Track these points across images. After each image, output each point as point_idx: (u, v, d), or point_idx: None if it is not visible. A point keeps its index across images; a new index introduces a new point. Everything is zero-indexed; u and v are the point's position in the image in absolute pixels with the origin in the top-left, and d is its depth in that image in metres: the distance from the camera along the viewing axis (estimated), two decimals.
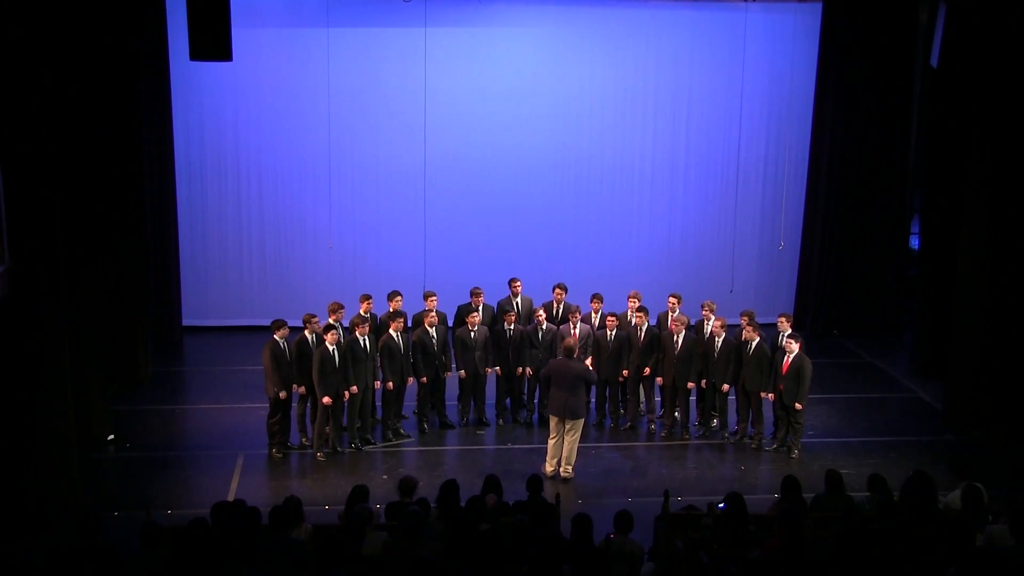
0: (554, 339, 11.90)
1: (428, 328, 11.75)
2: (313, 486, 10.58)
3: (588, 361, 11.56)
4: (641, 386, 12.15)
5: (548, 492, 8.45)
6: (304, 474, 11.01)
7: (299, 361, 11.22)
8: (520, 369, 12.14)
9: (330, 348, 10.98)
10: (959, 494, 8.00)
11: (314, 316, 11.43)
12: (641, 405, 12.26)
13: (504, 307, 12.48)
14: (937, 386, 13.29)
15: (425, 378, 11.80)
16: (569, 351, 10.73)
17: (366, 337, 11.30)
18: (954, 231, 12.72)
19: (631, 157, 16.37)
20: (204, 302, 16.11)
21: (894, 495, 8.44)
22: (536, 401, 12.35)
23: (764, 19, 16.01)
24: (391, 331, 11.51)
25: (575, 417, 10.66)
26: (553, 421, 10.80)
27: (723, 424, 12.10)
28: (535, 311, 12.23)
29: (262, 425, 11.50)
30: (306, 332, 11.33)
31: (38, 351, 9.57)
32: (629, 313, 12.14)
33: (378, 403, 11.87)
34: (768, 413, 11.74)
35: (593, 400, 12.54)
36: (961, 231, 12.37)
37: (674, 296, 12.24)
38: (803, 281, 16.66)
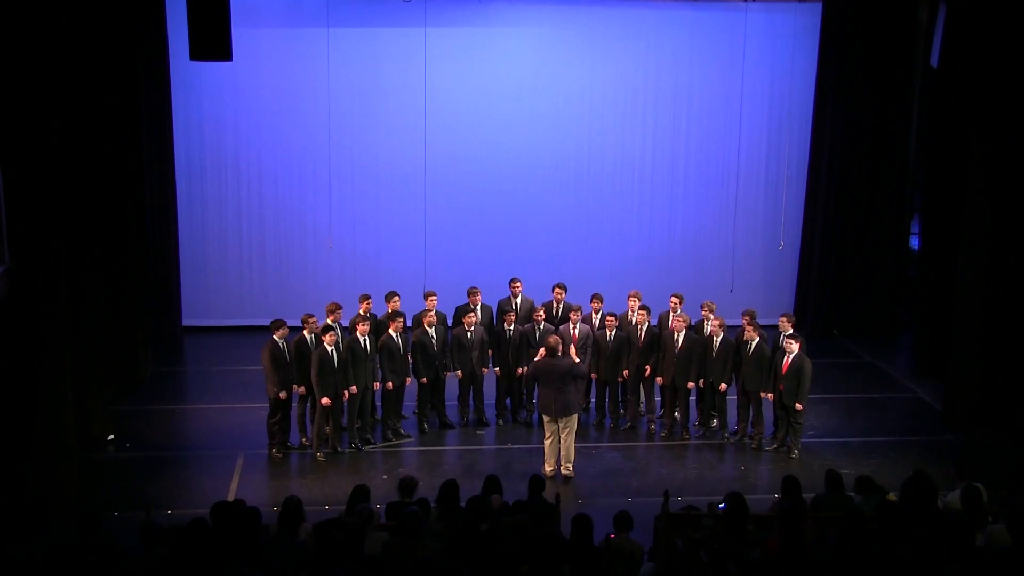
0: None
1: (428, 328, 11.75)
2: (313, 486, 10.58)
3: (572, 352, 11.50)
4: (641, 386, 12.14)
5: (548, 492, 8.44)
6: (304, 474, 11.01)
7: (298, 361, 11.22)
8: (520, 369, 12.13)
9: (328, 349, 10.97)
10: (959, 494, 8.00)
11: (312, 316, 11.43)
12: (641, 405, 12.26)
13: (504, 307, 12.48)
14: (937, 386, 13.29)
15: (425, 378, 11.80)
16: (551, 350, 10.69)
17: (366, 337, 11.30)
18: (954, 231, 12.72)
19: (631, 157, 16.38)
20: (204, 302, 16.11)
21: (889, 494, 8.45)
22: (535, 401, 12.34)
23: (764, 19, 16.01)
24: (391, 331, 11.52)
25: (568, 414, 10.64)
26: (546, 421, 10.79)
27: (723, 424, 12.09)
28: (535, 311, 12.23)
29: (262, 425, 11.50)
30: (305, 332, 11.33)
31: (38, 351, 9.58)
32: (630, 313, 12.14)
33: (378, 403, 11.87)
34: (768, 413, 11.74)
35: (593, 400, 12.56)
36: (961, 231, 12.37)
37: (676, 296, 12.22)
38: (803, 281, 16.66)
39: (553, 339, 10.87)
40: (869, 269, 16.44)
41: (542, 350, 10.92)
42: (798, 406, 11.26)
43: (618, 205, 16.47)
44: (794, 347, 11.18)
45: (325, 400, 11.03)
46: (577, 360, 11.18)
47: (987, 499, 8.10)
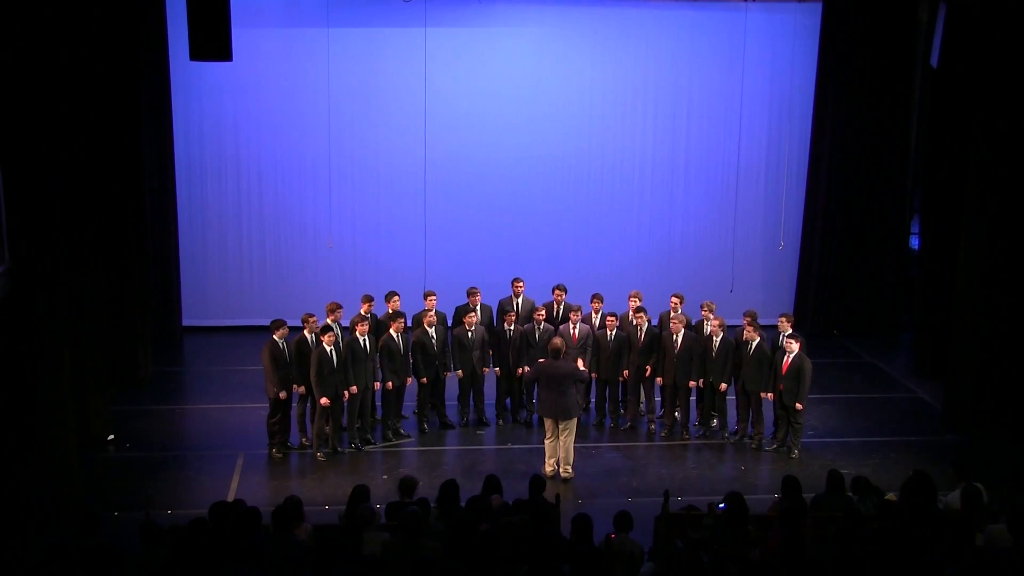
0: (551, 339, 11.88)
1: (427, 328, 11.75)
2: (313, 486, 10.58)
3: (579, 362, 11.50)
4: (641, 386, 12.14)
5: (548, 492, 8.44)
6: (304, 474, 11.01)
7: (298, 361, 11.21)
8: (520, 369, 12.13)
9: (328, 349, 10.97)
10: (959, 494, 8.00)
11: (312, 316, 11.43)
12: (641, 405, 12.26)
13: (504, 307, 12.49)
14: (937, 386, 13.29)
15: (425, 378, 11.80)
16: (556, 352, 10.70)
17: (366, 337, 11.30)
18: (954, 231, 12.72)
19: (631, 157, 16.38)
20: (204, 302, 16.12)
21: (888, 494, 8.46)
22: (536, 401, 12.34)
23: (764, 19, 16.01)
24: (391, 331, 11.51)
25: (567, 417, 10.64)
26: (547, 422, 10.79)
27: (723, 424, 12.10)
28: (536, 310, 12.23)
29: (262, 425, 11.50)
30: (305, 332, 11.33)
31: (38, 351, 9.57)
32: (630, 313, 12.15)
33: (378, 403, 11.87)
34: (768, 413, 11.74)
35: (593, 400, 12.57)
36: (961, 231, 12.37)
37: (676, 296, 12.22)
38: (803, 281, 16.66)
39: (557, 341, 10.87)
40: (869, 269, 16.44)
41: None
42: (798, 406, 11.26)
43: (618, 205, 16.47)
44: (794, 347, 11.18)
45: (324, 400, 11.03)
46: (582, 368, 11.20)
47: (987, 499, 8.10)
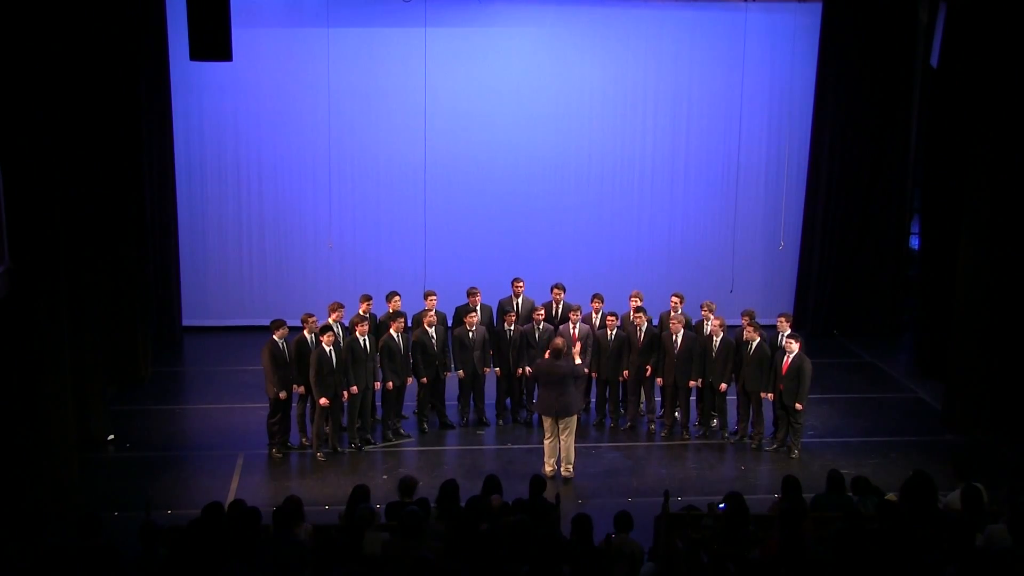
0: (551, 339, 11.88)
1: (427, 328, 11.75)
2: (313, 486, 10.58)
3: (576, 350, 11.45)
4: (641, 386, 12.14)
5: (548, 492, 8.44)
6: (304, 474, 11.02)
7: (298, 361, 11.22)
8: (520, 369, 12.13)
9: (327, 349, 10.97)
10: (959, 494, 8.00)
11: (312, 316, 11.43)
12: (641, 405, 12.26)
13: (504, 307, 12.49)
14: (937, 386, 13.29)
15: (425, 378, 11.81)
16: (557, 352, 10.69)
17: (366, 337, 11.30)
18: (954, 231, 12.72)
19: (631, 157, 16.38)
20: (204, 302, 16.12)
21: (888, 494, 8.46)
22: (534, 402, 12.33)
23: (764, 19, 16.01)
24: (391, 331, 11.52)
25: (567, 414, 10.64)
26: (547, 422, 10.79)
27: (723, 424, 12.10)
28: (535, 310, 12.23)
29: (262, 425, 11.50)
30: (305, 332, 11.33)
31: (38, 351, 9.59)
32: (630, 313, 12.15)
33: (378, 403, 11.87)
34: (768, 413, 11.74)
35: (593, 400, 12.57)
36: (961, 231, 12.37)
37: (677, 296, 12.22)
38: (803, 281, 16.66)
39: (559, 341, 10.87)
40: (869, 269, 16.44)
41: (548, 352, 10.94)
42: (798, 406, 11.26)
43: (618, 205, 16.47)
44: (794, 347, 11.18)
45: (323, 400, 11.03)
46: (579, 362, 11.20)
47: (987, 499, 8.10)
